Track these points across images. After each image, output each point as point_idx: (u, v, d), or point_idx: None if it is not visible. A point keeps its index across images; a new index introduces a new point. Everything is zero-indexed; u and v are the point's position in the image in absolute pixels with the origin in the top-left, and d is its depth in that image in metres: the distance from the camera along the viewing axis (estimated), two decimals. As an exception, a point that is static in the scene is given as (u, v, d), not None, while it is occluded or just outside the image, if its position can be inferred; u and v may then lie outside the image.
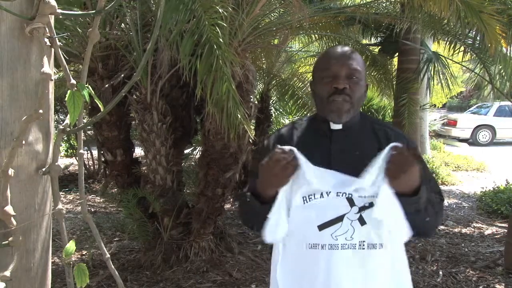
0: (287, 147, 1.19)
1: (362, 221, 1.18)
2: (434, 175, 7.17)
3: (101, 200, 6.04)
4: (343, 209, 1.18)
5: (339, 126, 1.31)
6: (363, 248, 1.17)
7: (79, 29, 3.15)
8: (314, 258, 1.19)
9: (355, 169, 1.27)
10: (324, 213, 1.18)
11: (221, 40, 2.54)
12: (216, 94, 2.64)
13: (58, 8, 0.82)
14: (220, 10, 2.55)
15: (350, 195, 1.18)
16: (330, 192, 1.19)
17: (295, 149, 1.20)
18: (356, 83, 1.26)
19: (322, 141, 1.33)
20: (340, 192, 1.19)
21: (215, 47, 2.54)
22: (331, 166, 1.27)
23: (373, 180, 1.16)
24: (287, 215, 1.21)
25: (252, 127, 4.87)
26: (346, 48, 1.32)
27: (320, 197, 1.19)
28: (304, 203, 1.20)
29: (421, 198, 1.18)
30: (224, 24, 2.67)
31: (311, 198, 1.20)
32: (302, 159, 1.19)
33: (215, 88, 2.63)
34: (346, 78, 1.25)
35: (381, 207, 1.15)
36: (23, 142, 0.80)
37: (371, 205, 1.17)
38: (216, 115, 2.80)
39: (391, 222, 1.16)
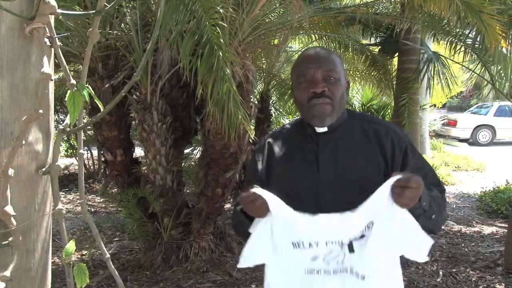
0: (257, 190, 1.15)
1: (350, 248, 1.15)
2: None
3: (101, 200, 6.04)
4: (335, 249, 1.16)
5: (324, 129, 1.29)
6: (353, 274, 1.15)
7: (79, 29, 3.15)
8: (310, 284, 1.17)
9: (344, 171, 1.26)
10: (315, 256, 1.17)
11: (221, 40, 2.54)
12: (217, 94, 2.63)
13: (58, 8, 0.82)
14: (220, 11, 2.55)
15: (340, 241, 1.15)
16: (318, 242, 1.16)
17: (268, 195, 1.15)
18: (334, 83, 1.24)
19: (309, 146, 1.31)
20: (330, 241, 1.15)
21: (216, 47, 2.53)
22: (319, 171, 1.26)
23: (368, 212, 1.12)
24: (272, 248, 1.19)
25: (252, 127, 4.87)
26: (321, 50, 1.30)
27: (309, 246, 1.17)
28: (294, 247, 1.18)
29: (423, 202, 1.16)
30: (225, 25, 2.67)
31: (299, 245, 1.17)
32: (279, 205, 1.15)
33: (215, 88, 2.63)
34: (323, 80, 1.24)
35: (375, 242, 1.12)
36: (23, 142, 0.80)
37: (362, 236, 1.14)
38: (216, 115, 2.80)
39: (382, 255, 1.14)
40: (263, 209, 1.15)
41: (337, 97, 1.25)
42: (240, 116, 2.69)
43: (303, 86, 1.26)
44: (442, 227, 4.73)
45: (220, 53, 2.54)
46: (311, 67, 1.25)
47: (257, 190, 1.15)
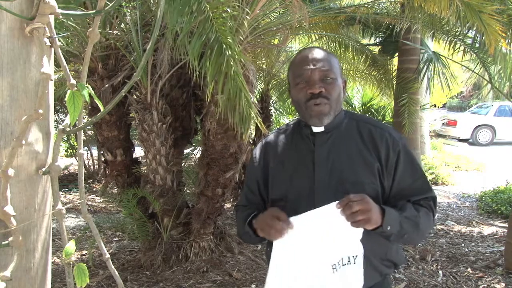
0: (290, 220, 1.19)
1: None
2: (434, 175, 7.18)
3: (101, 200, 6.04)
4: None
5: (321, 129, 1.30)
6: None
7: (78, 29, 3.15)
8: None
9: (339, 171, 1.27)
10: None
11: (230, 40, 2.52)
12: (228, 93, 2.62)
13: (58, 8, 0.82)
14: (228, 10, 2.54)
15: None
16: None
17: (296, 221, 1.19)
18: (331, 83, 1.26)
19: (306, 146, 1.33)
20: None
21: (225, 46, 2.52)
22: (315, 170, 1.28)
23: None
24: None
25: (252, 127, 4.87)
26: (317, 50, 1.31)
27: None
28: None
29: (389, 226, 1.19)
30: (232, 24, 2.67)
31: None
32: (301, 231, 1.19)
33: (226, 88, 2.61)
34: (320, 81, 1.25)
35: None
36: (23, 142, 0.80)
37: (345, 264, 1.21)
38: (228, 114, 2.78)
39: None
40: (275, 236, 1.20)
41: (334, 97, 1.27)
42: (253, 114, 2.69)
43: (301, 87, 1.27)
44: (438, 229, 4.72)
45: (229, 52, 2.52)
46: (308, 68, 1.26)
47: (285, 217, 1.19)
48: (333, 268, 1.17)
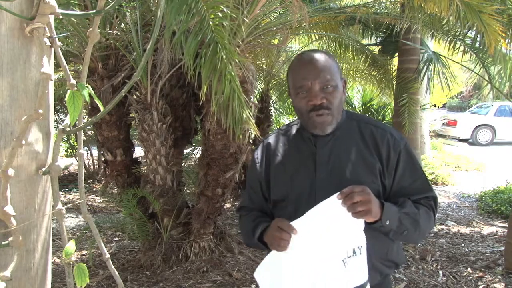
0: (292, 225, 1.17)
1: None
2: (434, 175, 7.18)
3: (101, 200, 6.04)
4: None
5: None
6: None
7: (78, 29, 3.15)
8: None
9: (340, 172, 1.27)
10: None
11: (225, 41, 2.52)
12: (221, 94, 2.62)
13: (58, 8, 0.82)
14: (225, 10, 2.53)
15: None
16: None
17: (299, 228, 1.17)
18: (332, 92, 1.25)
19: (307, 147, 1.32)
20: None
21: (220, 46, 2.52)
22: (316, 172, 1.28)
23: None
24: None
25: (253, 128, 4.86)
26: (316, 56, 1.28)
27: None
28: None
29: (388, 220, 1.19)
30: (228, 24, 2.67)
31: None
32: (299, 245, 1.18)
33: (220, 88, 2.61)
34: (320, 91, 1.24)
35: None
36: (23, 142, 0.80)
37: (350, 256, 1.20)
38: (221, 115, 2.78)
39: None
40: (285, 246, 1.18)
41: (335, 105, 1.26)
42: (244, 116, 2.68)
43: (302, 96, 1.26)
44: (438, 229, 4.72)
45: (224, 53, 2.52)
46: (308, 78, 1.24)
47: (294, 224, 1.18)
48: (344, 263, 1.17)
